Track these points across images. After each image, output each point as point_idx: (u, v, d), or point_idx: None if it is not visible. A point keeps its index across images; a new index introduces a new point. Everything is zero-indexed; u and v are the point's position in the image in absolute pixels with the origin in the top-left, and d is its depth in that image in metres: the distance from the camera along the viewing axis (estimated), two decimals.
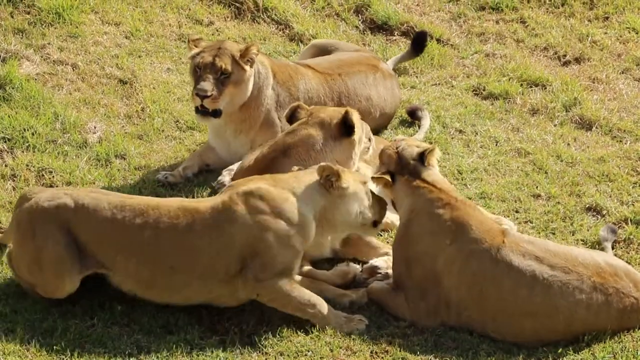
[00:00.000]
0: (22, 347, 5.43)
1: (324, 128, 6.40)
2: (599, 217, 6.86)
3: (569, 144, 7.77)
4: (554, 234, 6.68)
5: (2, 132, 7.28)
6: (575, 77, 8.75)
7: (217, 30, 9.23)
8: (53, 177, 6.98)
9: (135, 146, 7.45)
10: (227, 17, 9.46)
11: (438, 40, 9.27)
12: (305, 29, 9.30)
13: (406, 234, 5.82)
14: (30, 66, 8.18)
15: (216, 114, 7.06)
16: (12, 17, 8.79)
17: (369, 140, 6.60)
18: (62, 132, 7.46)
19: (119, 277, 5.65)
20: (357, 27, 9.56)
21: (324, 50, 8.21)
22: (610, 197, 7.05)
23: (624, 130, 7.95)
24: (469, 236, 5.66)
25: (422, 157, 5.87)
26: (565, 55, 9.19)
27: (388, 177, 5.89)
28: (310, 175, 5.81)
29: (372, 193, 5.96)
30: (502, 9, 9.84)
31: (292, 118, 6.57)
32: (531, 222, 6.80)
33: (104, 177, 7.10)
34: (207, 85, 6.97)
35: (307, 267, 6.14)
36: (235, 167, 6.86)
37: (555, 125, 8.06)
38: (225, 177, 6.92)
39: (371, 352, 5.56)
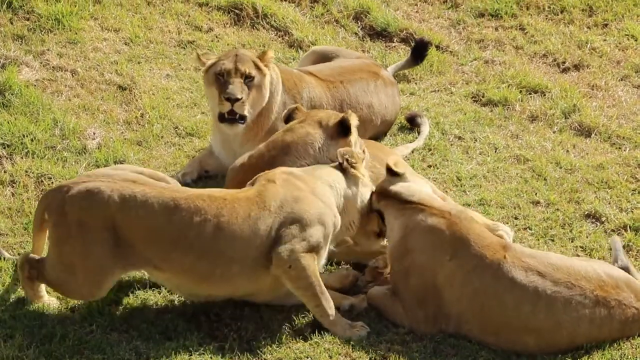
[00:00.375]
0: (20, 353, 5.41)
1: (321, 127, 6.39)
2: (598, 223, 6.86)
3: (568, 151, 7.77)
4: (553, 240, 6.68)
5: (1, 138, 7.27)
6: (574, 84, 8.75)
7: (216, 37, 9.23)
8: (52, 183, 6.96)
9: (134, 152, 7.45)
10: (227, 24, 9.46)
11: (437, 47, 9.27)
12: (304, 35, 9.30)
13: (403, 246, 5.77)
14: (29, 72, 8.18)
15: (243, 119, 6.99)
16: (12, 23, 8.79)
17: (364, 152, 6.60)
18: (62, 138, 7.45)
19: (167, 274, 5.59)
20: (356, 33, 9.56)
21: (324, 57, 8.19)
22: (609, 203, 7.05)
23: (623, 137, 7.95)
24: (469, 252, 5.62)
25: (391, 171, 5.93)
26: (564, 62, 9.19)
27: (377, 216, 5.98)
28: (327, 167, 6.02)
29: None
30: (501, 16, 9.85)
31: (288, 120, 6.56)
32: (530, 229, 6.79)
33: None
34: (237, 88, 6.89)
35: None
36: None
37: (554, 132, 8.06)
38: None
39: (370, 358, 5.55)
